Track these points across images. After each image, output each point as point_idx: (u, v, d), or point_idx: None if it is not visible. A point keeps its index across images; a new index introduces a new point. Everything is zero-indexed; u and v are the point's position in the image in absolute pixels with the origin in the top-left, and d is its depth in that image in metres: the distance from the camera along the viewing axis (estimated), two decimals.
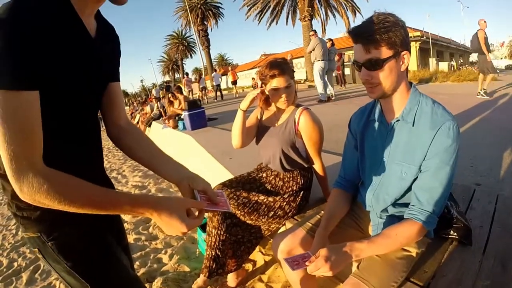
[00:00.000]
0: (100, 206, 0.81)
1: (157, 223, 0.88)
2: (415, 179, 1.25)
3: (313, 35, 8.69)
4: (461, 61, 30.60)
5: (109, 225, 1.09)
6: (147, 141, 1.15)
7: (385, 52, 1.13)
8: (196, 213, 0.93)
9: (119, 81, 1.14)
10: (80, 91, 0.90)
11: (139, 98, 23.96)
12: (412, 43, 18.16)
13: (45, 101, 0.76)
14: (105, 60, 0.99)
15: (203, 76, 18.71)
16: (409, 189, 1.28)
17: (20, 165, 0.71)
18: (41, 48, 0.71)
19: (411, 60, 1.23)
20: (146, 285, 2.33)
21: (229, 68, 21.72)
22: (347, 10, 20.40)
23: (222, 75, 20.53)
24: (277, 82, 1.86)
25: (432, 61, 20.10)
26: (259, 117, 2.16)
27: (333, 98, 9.21)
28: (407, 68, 1.21)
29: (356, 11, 20.42)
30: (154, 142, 1.16)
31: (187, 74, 18.91)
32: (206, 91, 18.65)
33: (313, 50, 8.52)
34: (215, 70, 21.56)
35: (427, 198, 1.18)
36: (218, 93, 17.80)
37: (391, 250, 1.22)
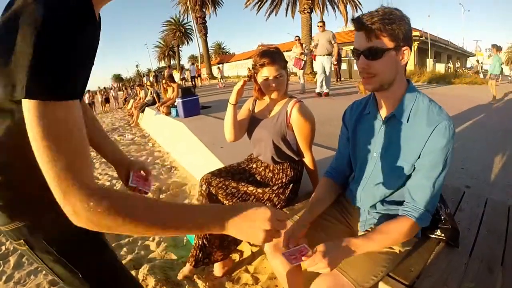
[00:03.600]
0: (171, 225, 0.72)
1: (238, 234, 0.77)
2: (406, 176, 1.24)
3: (322, 26, 8.51)
4: (458, 64, 30.78)
5: None
6: (97, 123, 1.20)
7: (386, 43, 1.11)
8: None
9: None
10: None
11: (131, 84, 24.57)
12: None
13: None
14: None
15: (184, 68, 21.71)
16: (399, 186, 1.28)
17: (71, 183, 0.61)
18: (75, 51, 0.65)
19: None
20: (133, 272, 2.31)
21: (197, 65, 25.33)
22: (347, 4, 20.25)
23: (219, 63, 22.05)
24: (267, 71, 1.83)
25: (429, 61, 20.16)
26: (251, 109, 2.13)
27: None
28: (405, 64, 1.20)
29: (357, 6, 20.29)
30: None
31: (169, 66, 22.30)
32: (185, 81, 22.49)
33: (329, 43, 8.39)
34: (192, 64, 24.59)
35: (421, 196, 1.18)
36: (193, 82, 21.50)
37: (385, 246, 1.22)
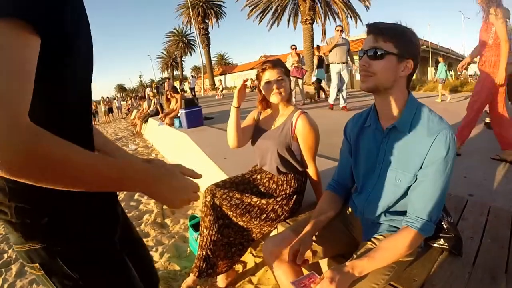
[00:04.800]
0: (99, 181, 0.64)
1: (158, 196, 0.76)
2: (409, 187, 1.25)
3: (341, 30, 7.53)
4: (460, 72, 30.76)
5: (113, 225, 0.92)
6: (100, 132, 1.09)
7: (390, 48, 1.16)
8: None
9: None
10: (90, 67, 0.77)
11: (134, 95, 24.95)
12: None
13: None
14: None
15: (183, 79, 22.13)
16: (402, 196, 1.29)
17: (3, 113, 0.51)
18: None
19: None
20: None
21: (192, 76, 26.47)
22: (348, 16, 20.43)
23: (222, 74, 22.41)
24: (269, 74, 1.91)
25: (430, 70, 20.21)
26: (256, 119, 2.16)
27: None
28: (408, 77, 1.23)
29: (357, 17, 20.47)
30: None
31: (168, 78, 22.73)
32: (184, 92, 22.82)
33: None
34: (192, 76, 25.54)
35: (424, 207, 1.19)
36: (193, 93, 21.86)
37: (390, 262, 1.22)
